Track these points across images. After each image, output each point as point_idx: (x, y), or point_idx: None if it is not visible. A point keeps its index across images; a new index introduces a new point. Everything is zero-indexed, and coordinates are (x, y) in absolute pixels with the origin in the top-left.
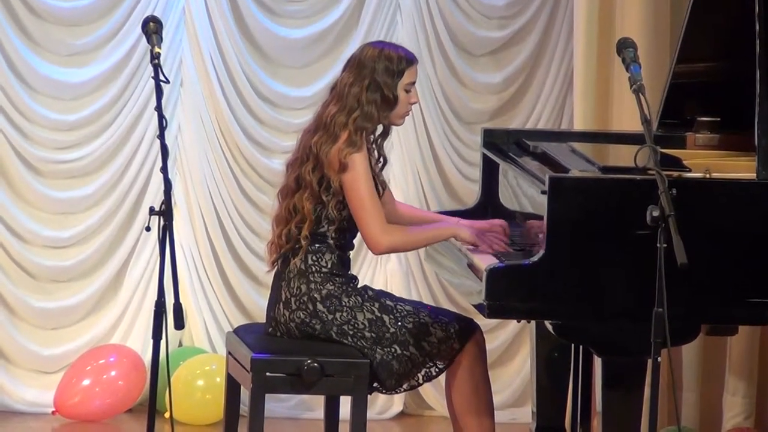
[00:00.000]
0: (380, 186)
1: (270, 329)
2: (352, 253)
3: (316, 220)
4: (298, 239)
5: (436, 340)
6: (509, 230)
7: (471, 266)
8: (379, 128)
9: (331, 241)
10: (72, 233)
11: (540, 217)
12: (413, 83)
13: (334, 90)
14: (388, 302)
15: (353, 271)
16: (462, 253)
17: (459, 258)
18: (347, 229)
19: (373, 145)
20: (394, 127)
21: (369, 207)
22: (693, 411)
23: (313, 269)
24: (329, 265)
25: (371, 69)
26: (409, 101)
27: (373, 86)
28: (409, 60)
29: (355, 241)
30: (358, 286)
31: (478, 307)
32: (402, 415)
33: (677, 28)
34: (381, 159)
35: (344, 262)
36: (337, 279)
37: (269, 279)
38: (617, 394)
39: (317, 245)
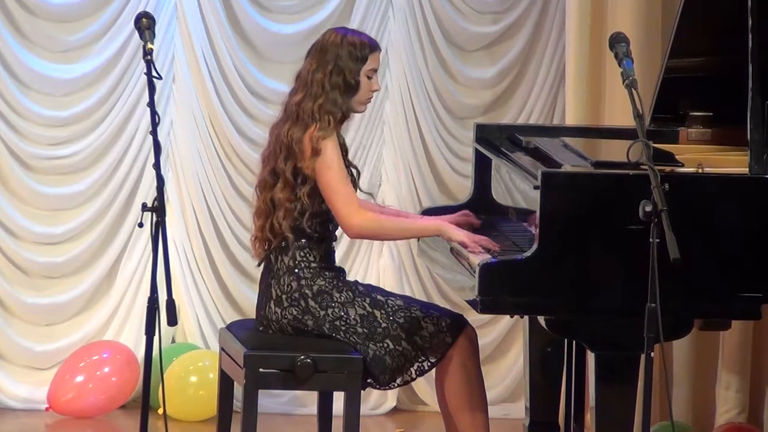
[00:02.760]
0: (354, 174)
1: (261, 328)
2: (335, 244)
3: (297, 216)
4: (283, 234)
5: (428, 335)
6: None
7: (456, 254)
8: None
9: (315, 235)
10: (64, 229)
11: (533, 213)
12: (375, 70)
13: (299, 78)
14: (379, 297)
15: (346, 266)
16: (454, 250)
17: (451, 254)
18: (328, 220)
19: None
20: (384, 123)
21: (339, 189)
22: (686, 406)
23: (302, 265)
24: (317, 260)
25: (335, 55)
26: (371, 88)
27: (336, 71)
28: (372, 46)
29: (344, 237)
30: (347, 279)
31: (471, 303)
32: (395, 410)
33: (669, 22)
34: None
35: (329, 255)
36: (327, 274)
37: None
38: (610, 389)
39: (303, 241)
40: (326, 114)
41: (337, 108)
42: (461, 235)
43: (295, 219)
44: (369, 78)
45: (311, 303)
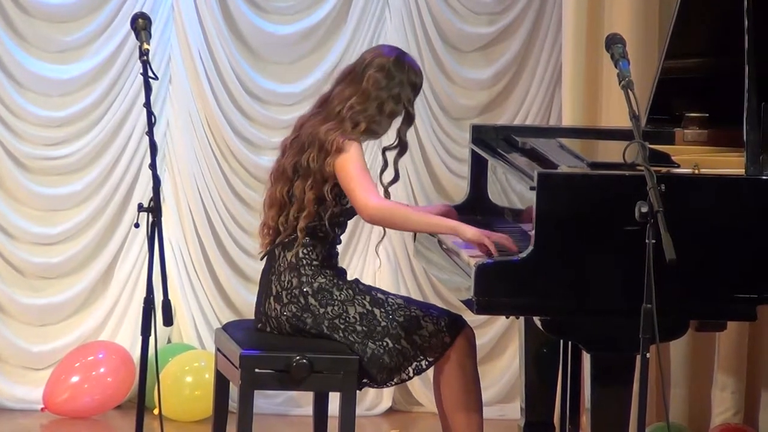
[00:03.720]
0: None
1: (259, 325)
2: (339, 247)
3: (318, 216)
4: (295, 230)
5: (427, 334)
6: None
7: (448, 250)
8: (388, 139)
9: (322, 234)
10: (61, 230)
11: (529, 214)
12: None
13: (357, 83)
14: (379, 296)
15: (343, 266)
16: (449, 250)
17: (442, 250)
18: (339, 224)
19: (384, 157)
20: None
21: (358, 178)
22: (682, 407)
23: (304, 262)
24: (320, 258)
25: (399, 81)
26: None
27: (395, 98)
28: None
29: (343, 236)
30: (348, 279)
31: (467, 303)
32: (391, 411)
33: (666, 23)
34: (394, 174)
35: (333, 255)
36: (328, 272)
37: (258, 275)
38: (606, 390)
39: (307, 238)
40: (370, 133)
41: (381, 131)
42: (479, 234)
43: (314, 219)
44: None
45: (311, 300)
